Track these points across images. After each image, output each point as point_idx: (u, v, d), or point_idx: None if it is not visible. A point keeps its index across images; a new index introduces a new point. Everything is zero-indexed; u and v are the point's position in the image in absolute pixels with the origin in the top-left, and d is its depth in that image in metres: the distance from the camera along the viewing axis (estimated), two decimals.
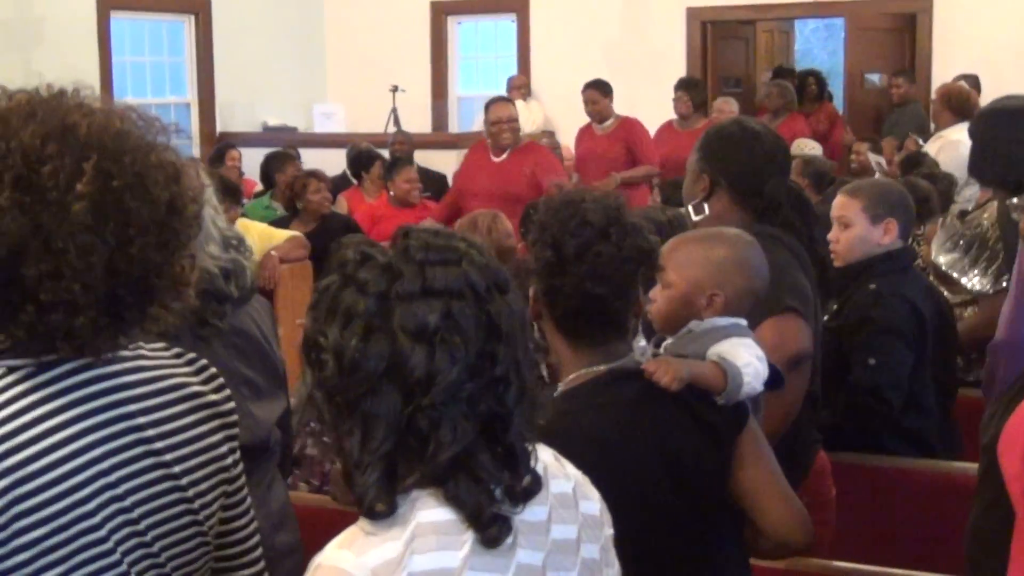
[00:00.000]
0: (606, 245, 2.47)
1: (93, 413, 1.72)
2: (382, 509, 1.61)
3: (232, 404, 1.93)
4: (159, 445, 1.78)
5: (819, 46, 19.77)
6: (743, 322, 2.79)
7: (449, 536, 1.62)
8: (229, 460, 1.91)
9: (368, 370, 1.60)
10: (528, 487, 1.69)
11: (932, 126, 9.47)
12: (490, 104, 8.23)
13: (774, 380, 2.70)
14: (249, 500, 2.01)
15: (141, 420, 1.77)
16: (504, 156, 8.00)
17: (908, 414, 4.13)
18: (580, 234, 2.47)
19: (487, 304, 1.65)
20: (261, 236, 7.02)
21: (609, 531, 1.89)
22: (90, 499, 1.69)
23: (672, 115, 10.17)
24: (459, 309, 1.62)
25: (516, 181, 7.77)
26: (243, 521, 1.97)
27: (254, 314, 3.03)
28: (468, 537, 1.63)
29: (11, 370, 1.69)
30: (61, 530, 1.66)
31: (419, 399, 1.60)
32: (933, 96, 9.43)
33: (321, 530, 2.23)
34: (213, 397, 1.89)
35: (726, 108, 10.18)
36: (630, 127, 9.43)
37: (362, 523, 1.64)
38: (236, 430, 1.94)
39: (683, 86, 10.17)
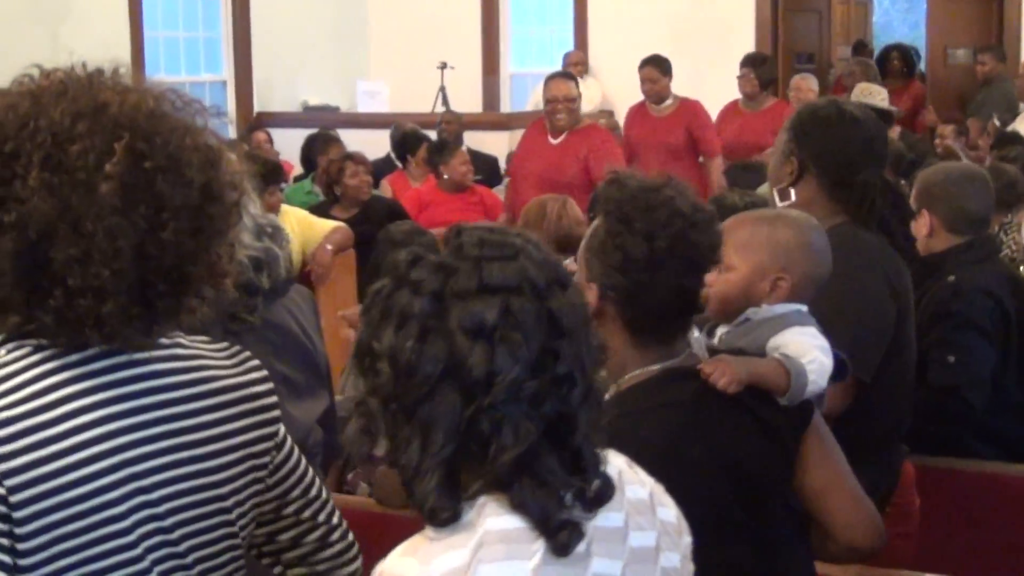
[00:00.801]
0: (698, 234, 2.48)
1: (121, 400, 1.75)
2: (445, 515, 1.62)
3: (275, 398, 1.96)
4: (193, 437, 1.81)
5: (899, 19, 19.62)
6: (803, 308, 2.77)
7: (518, 545, 1.63)
8: (266, 458, 1.94)
9: (425, 372, 1.62)
10: (599, 491, 1.70)
11: (1021, 105, 9.39)
12: (548, 80, 8.02)
13: (839, 370, 2.71)
14: (316, 493, 2.05)
15: (175, 410, 1.80)
16: (561, 139, 7.79)
17: (993, 415, 4.11)
18: (672, 224, 2.46)
19: (547, 300, 1.66)
20: (300, 223, 7.03)
21: (688, 539, 1.90)
22: (114, 488, 1.72)
23: (738, 94, 10.01)
24: (518, 305, 1.64)
25: (568, 167, 7.61)
26: (308, 513, 2.04)
27: (292, 307, 3.04)
28: (539, 546, 1.64)
29: (38, 348, 1.73)
30: (80, 517, 1.69)
31: (479, 400, 1.61)
32: (1021, 72, 9.32)
33: (366, 535, 2.26)
34: (255, 389, 1.92)
35: (804, 86, 10.02)
36: (693, 110, 9.06)
37: (427, 530, 1.65)
38: (278, 426, 1.96)
39: (749, 62, 9.88)
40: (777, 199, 3.53)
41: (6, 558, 1.65)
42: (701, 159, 8.94)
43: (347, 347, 5.27)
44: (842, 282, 3.01)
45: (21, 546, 1.65)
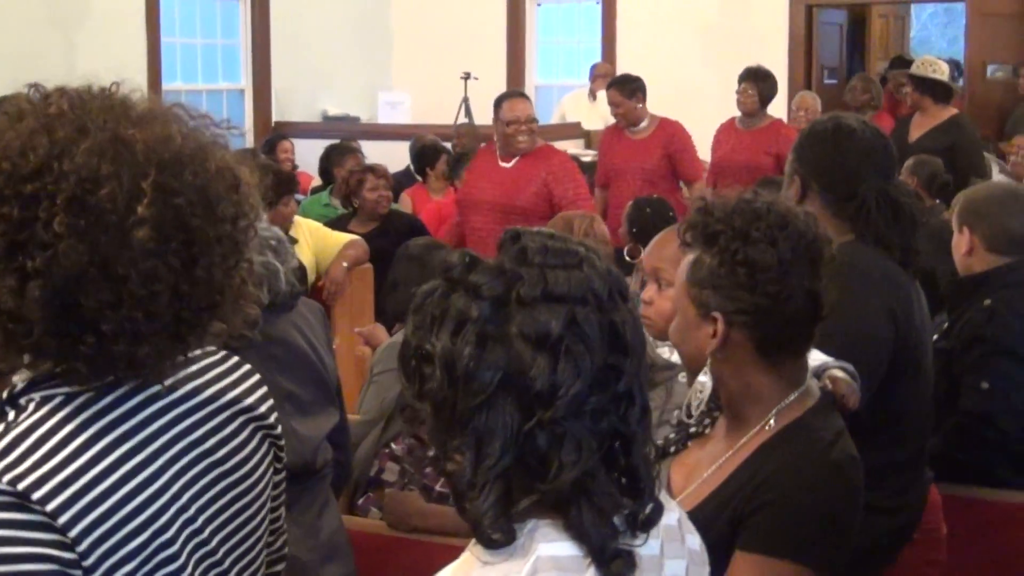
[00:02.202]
0: (813, 233, 2.50)
1: (156, 435, 1.76)
2: (500, 539, 1.60)
3: (275, 415, 1.97)
4: (220, 454, 1.83)
5: (937, 33, 19.60)
6: None
7: (571, 574, 1.61)
8: (279, 465, 1.97)
9: (483, 380, 1.58)
10: (650, 515, 1.69)
11: None
12: (505, 100, 7.53)
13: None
14: (283, 525, 2.06)
15: (199, 433, 1.81)
16: (513, 163, 7.40)
17: None
18: (787, 226, 2.47)
19: (610, 312, 1.64)
20: (313, 235, 7.04)
21: (707, 570, 1.89)
22: (168, 527, 1.73)
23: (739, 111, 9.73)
24: (583, 316, 1.61)
25: (523, 192, 7.26)
26: (279, 542, 2.05)
27: (300, 321, 3.04)
28: (590, 574, 1.62)
29: (69, 398, 1.72)
30: (145, 563, 1.69)
31: (540, 413, 1.59)
32: None
33: (377, 558, 2.27)
34: (260, 410, 1.93)
35: (805, 104, 9.86)
36: (671, 132, 8.67)
37: (477, 551, 1.63)
38: (282, 441, 1.98)
39: (749, 77, 9.15)
40: None
41: None
42: (682, 184, 8.72)
43: (363, 364, 5.28)
44: (835, 309, 3.00)
45: None
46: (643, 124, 8.71)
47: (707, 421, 2.66)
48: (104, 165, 1.66)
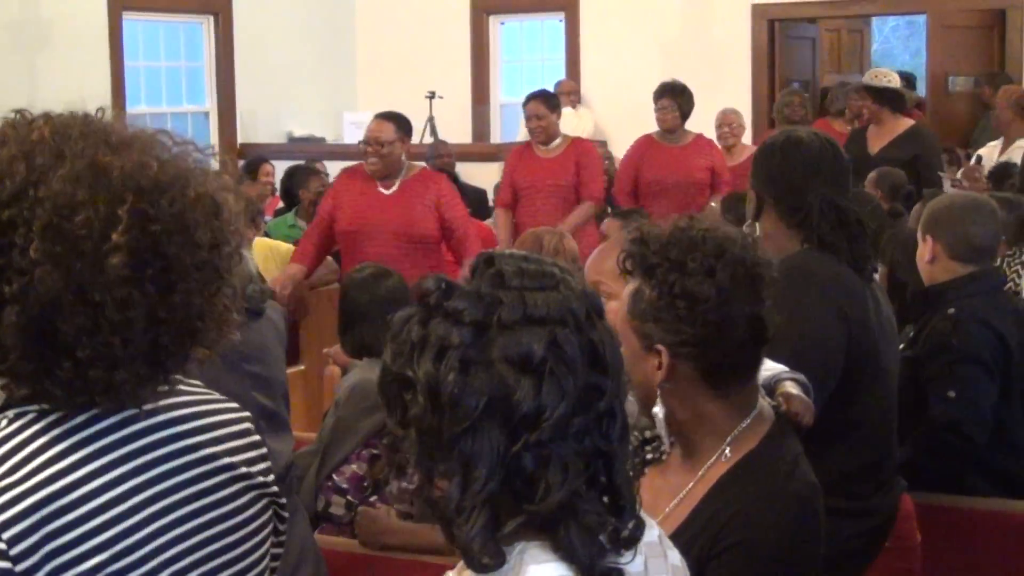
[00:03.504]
0: (752, 255, 2.46)
1: (132, 456, 1.74)
2: (490, 563, 1.60)
3: (272, 476, 1.95)
4: (209, 484, 1.82)
5: (900, 46, 19.71)
6: None
7: None
8: (282, 500, 1.95)
9: (469, 406, 1.59)
10: (633, 533, 1.69)
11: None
12: (371, 122, 7.24)
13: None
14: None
15: (187, 459, 1.80)
16: (394, 189, 7.10)
17: (995, 451, 4.12)
18: (724, 253, 2.43)
19: (588, 332, 1.65)
20: (285, 257, 7.08)
21: None
22: (138, 546, 1.71)
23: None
24: (564, 337, 1.62)
25: (418, 219, 7.00)
26: None
27: (272, 329, 3.02)
28: None
29: (41, 414, 1.71)
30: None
31: (526, 436, 1.60)
32: (998, 102, 9.28)
33: None
34: (244, 427, 1.92)
35: (728, 120, 9.82)
36: (583, 150, 8.59)
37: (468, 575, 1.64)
38: (284, 512, 1.96)
39: (667, 92, 8.97)
40: None
41: None
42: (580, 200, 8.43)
43: (331, 384, 5.27)
44: (784, 314, 3.01)
45: None
46: (556, 142, 8.56)
47: (657, 444, 2.64)
48: (80, 191, 1.66)
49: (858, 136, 8.70)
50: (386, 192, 7.07)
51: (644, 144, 9.04)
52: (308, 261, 7.06)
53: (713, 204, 7.89)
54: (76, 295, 1.64)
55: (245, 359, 2.81)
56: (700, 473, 2.49)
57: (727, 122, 9.84)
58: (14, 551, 1.62)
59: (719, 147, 9.27)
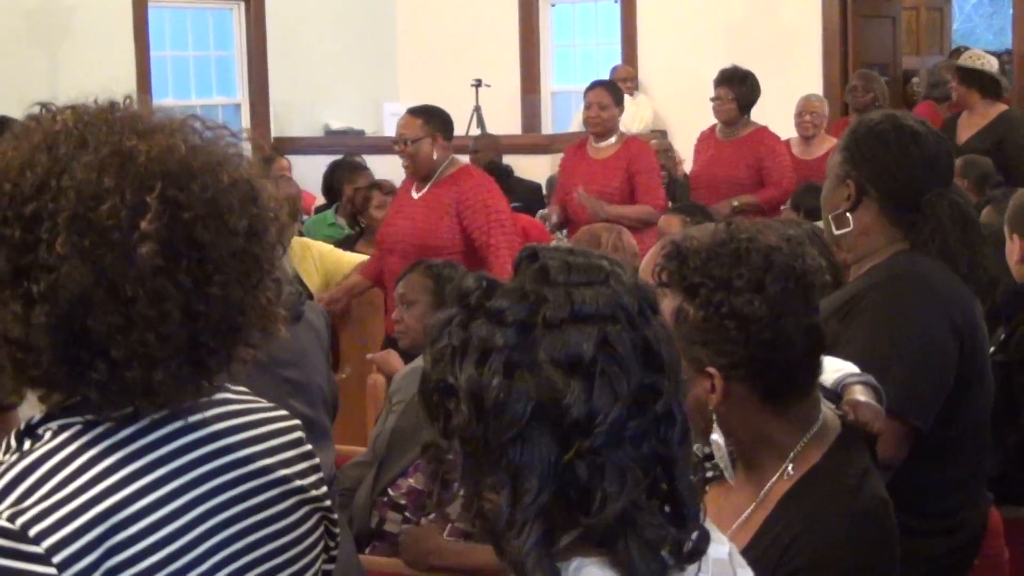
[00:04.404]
0: (801, 261, 2.42)
1: (185, 470, 1.75)
2: None
3: (325, 489, 1.95)
4: (264, 497, 1.82)
5: (983, 25, 19.56)
6: None
7: None
8: (334, 515, 1.96)
9: (515, 412, 1.58)
10: (697, 545, 1.67)
11: None
12: (401, 116, 6.99)
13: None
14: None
15: (241, 472, 1.81)
16: (423, 191, 6.84)
17: None
18: (772, 263, 2.38)
19: (642, 328, 1.64)
20: (324, 257, 7.07)
21: None
22: (200, 561, 1.72)
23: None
24: (615, 334, 1.60)
25: (440, 229, 6.69)
26: None
27: (311, 333, 3.01)
28: None
29: (87, 426, 1.71)
30: None
31: (578, 443, 1.58)
32: None
33: None
34: (297, 436, 1.93)
35: (811, 108, 9.47)
36: (635, 151, 8.20)
37: None
38: (335, 528, 1.97)
39: (724, 81, 8.61)
40: (833, 227, 3.49)
41: None
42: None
43: (375, 393, 5.27)
44: (899, 321, 2.98)
45: None
46: (611, 140, 8.22)
47: (715, 462, 2.61)
48: (105, 179, 1.66)
49: (950, 124, 8.61)
50: (415, 196, 6.87)
51: (702, 138, 8.93)
52: (376, 278, 6.89)
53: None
54: (106, 290, 1.64)
55: (279, 363, 2.81)
56: (762, 493, 2.47)
57: (809, 110, 9.47)
58: (68, 573, 1.61)
59: (781, 140, 8.89)
